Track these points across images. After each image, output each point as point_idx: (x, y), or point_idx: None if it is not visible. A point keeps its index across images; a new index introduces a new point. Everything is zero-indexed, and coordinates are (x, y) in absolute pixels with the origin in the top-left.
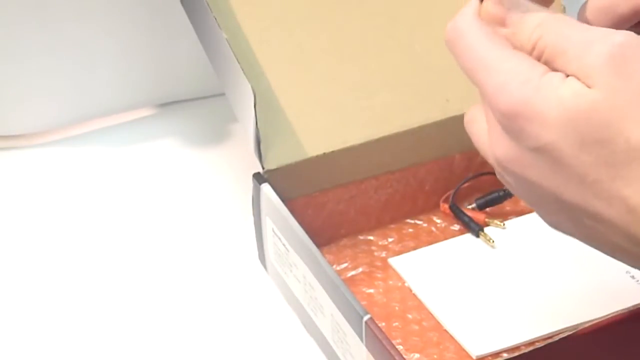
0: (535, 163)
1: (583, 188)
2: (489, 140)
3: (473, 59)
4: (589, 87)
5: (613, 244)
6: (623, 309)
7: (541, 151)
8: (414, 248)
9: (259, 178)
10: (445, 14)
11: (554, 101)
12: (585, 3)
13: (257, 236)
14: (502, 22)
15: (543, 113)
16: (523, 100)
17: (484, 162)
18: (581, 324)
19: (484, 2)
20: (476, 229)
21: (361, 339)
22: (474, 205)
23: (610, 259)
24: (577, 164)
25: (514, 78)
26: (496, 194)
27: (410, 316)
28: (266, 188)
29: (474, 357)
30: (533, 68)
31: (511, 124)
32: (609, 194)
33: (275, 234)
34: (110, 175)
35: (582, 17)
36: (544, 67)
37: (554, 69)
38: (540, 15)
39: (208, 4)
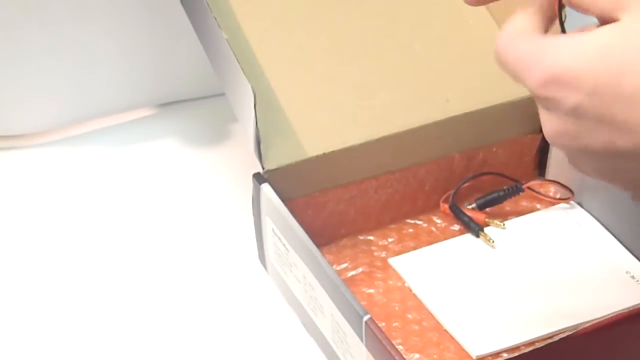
0: (580, 126)
1: (632, 127)
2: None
3: (512, 59)
4: (619, 19)
5: None
6: (623, 309)
7: (580, 110)
8: (414, 248)
9: (259, 178)
10: (445, 14)
11: (579, 55)
12: None
13: (257, 236)
14: None
15: (569, 70)
16: (547, 68)
17: (484, 162)
18: (581, 324)
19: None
20: (476, 229)
21: (361, 339)
22: (474, 205)
23: (609, 259)
24: (618, 105)
25: (537, 54)
26: (496, 194)
27: (410, 316)
28: (266, 188)
29: (474, 357)
30: (556, 39)
31: (544, 95)
32: None
33: (275, 234)
34: (110, 175)
35: None
36: (567, 34)
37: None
38: None
39: (208, 4)
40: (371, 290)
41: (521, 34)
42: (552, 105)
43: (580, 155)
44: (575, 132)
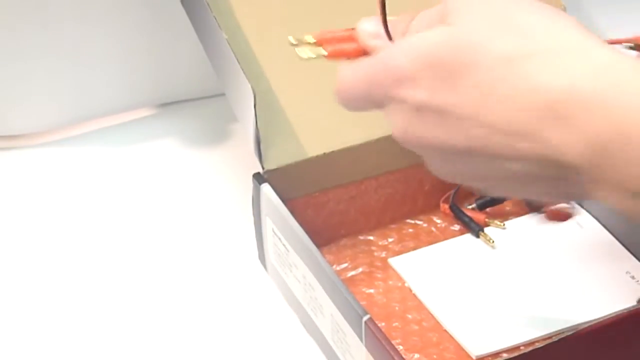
0: (422, 123)
1: (463, 123)
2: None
3: (363, 85)
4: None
5: (525, 175)
6: (623, 309)
7: (423, 107)
8: (414, 248)
9: (259, 178)
10: None
11: (418, 54)
12: None
13: (257, 236)
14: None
15: (411, 69)
16: (394, 71)
17: None
18: (581, 324)
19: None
20: (476, 229)
21: (361, 339)
22: (474, 205)
23: (609, 259)
24: (452, 102)
25: (381, 64)
26: None
27: (410, 316)
28: (266, 188)
29: (474, 357)
30: (394, 44)
31: (394, 97)
32: (492, 111)
33: (275, 234)
34: (110, 175)
35: None
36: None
37: None
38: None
39: (208, 4)
40: (371, 290)
41: (358, 62)
42: (398, 105)
43: (429, 158)
44: (420, 130)
